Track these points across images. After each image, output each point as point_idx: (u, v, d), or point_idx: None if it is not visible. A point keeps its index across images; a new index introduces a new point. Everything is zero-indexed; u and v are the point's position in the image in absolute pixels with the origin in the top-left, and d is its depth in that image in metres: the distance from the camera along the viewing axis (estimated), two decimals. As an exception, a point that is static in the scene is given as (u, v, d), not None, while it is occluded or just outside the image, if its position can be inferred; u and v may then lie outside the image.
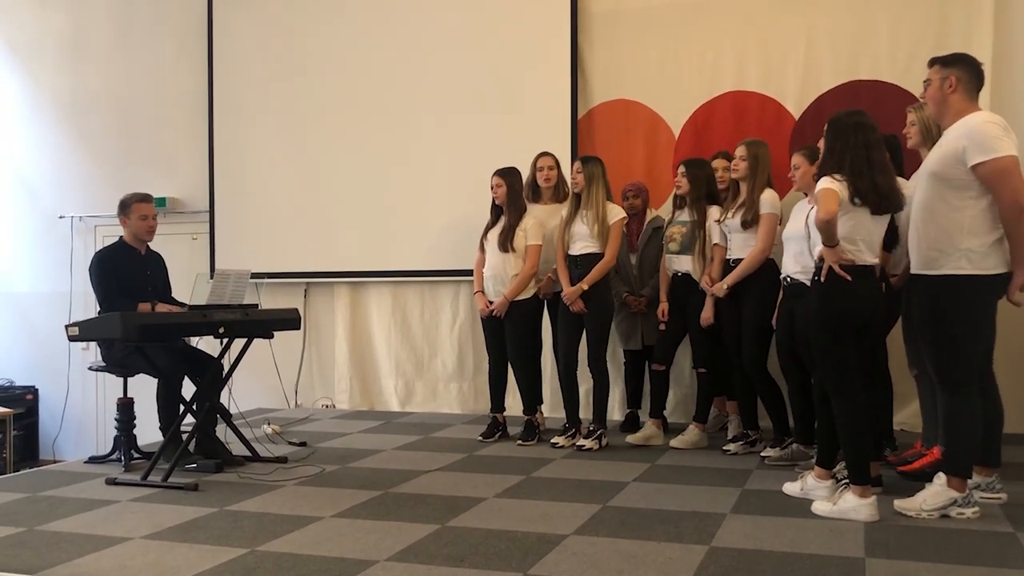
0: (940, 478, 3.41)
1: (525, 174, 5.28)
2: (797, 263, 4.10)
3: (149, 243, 4.92)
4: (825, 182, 3.35)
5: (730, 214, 4.62)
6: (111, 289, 4.64)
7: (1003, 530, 3.21)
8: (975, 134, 3.33)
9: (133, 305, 4.56)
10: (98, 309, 4.79)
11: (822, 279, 3.40)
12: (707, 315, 4.73)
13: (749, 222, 4.50)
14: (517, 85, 6.22)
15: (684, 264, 4.86)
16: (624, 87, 6.04)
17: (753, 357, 4.48)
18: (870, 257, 3.42)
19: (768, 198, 4.52)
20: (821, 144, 3.68)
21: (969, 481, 3.42)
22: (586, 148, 5.95)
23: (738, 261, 4.58)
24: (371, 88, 6.62)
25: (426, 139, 6.46)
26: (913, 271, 3.61)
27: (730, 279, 4.58)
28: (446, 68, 6.42)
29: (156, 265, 4.97)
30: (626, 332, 5.40)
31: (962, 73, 3.45)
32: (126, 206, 4.81)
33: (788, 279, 4.18)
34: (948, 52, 3.60)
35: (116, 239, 4.92)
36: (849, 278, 3.35)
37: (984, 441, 3.48)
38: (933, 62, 3.54)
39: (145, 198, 4.86)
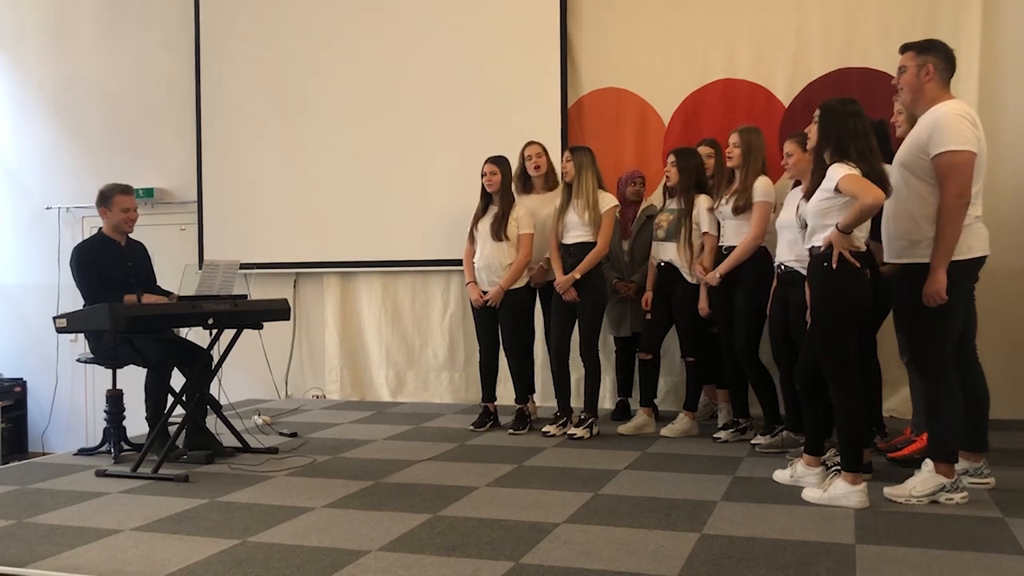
0: (928, 464, 3.43)
1: (514, 164, 5.25)
2: (791, 251, 4.09)
3: (129, 234, 4.86)
4: (843, 168, 3.33)
5: (723, 200, 4.62)
6: (93, 284, 4.57)
7: (991, 515, 3.23)
8: (940, 124, 3.35)
9: (118, 299, 4.47)
10: (83, 303, 4.75)
11: (833, 265, 3.38)
12: (703, 304, 4.73)
13: (741, 208, 4.50)
14: (506, 74, 6.19)
15: (669, 252, 4.87)
16: (614, 75, 6.02)
17: (744, 345, 4.48)
18: (864, 244, 3.44)
19: (762, 185, 4.51)
20: (809, 130, 3.68)
21: (957, 467, 3.44)
22: (576, 137, 5.94)
23: (731, 249, 4.57)
24: (359, 78, 6.58)
25: (415, 128, 6.43)
26: (886, 260, 3.62)
27: (722, 268, 4.58)
28: (435, 57, 6.39)
29: (138, 255, 4.89)
30: (616, 319, 5.40)
31: (938, 61, 3.46)
32: (107, 198, 4.71)
33: (782, 267, 4.18)
34: (937, 39, 3.59)
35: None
36: (859, 265, 3.37)
37: (970, 426, 3.51)
38: (906, 48, 3.53)
39: (126, 190, 4.76)
